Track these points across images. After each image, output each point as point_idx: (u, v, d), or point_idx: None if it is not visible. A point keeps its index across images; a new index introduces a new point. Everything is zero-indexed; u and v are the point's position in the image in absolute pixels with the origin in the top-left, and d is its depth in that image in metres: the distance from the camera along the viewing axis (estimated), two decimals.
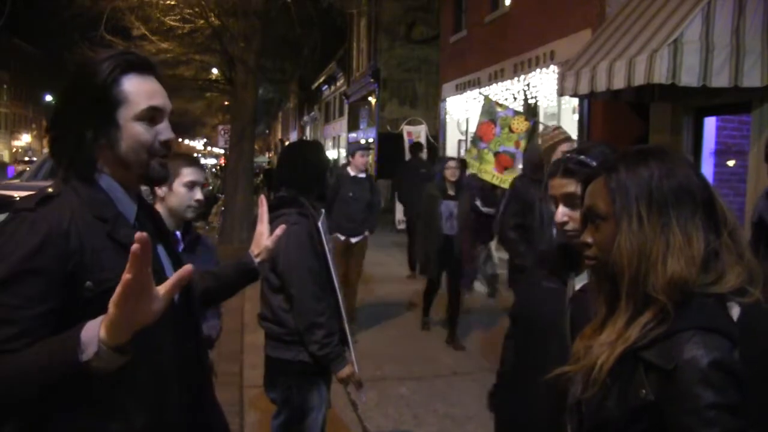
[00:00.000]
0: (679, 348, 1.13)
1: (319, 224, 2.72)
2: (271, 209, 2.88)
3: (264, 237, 2.03)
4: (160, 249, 1.50)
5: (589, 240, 1.29)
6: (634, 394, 1.16)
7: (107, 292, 1.26)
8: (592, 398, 1.23)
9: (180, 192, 2.49)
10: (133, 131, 1.37)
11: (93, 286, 1.27)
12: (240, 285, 1.99)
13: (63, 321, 1.26)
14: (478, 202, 8.34)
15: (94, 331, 1.15)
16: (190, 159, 2.62)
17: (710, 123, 6.94)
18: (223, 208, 12.89)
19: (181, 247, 2.53)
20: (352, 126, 25.37)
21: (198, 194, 2.54)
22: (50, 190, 1.33)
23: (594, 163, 1.65)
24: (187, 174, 2.50)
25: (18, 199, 1.31)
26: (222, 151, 33.45)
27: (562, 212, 1.79)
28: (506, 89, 11.42)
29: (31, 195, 1.33)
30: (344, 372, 2.73)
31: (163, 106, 1.42)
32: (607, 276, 1.26)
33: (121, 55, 1.41)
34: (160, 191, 2.50)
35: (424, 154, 11.42)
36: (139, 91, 1.38)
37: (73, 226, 1.29)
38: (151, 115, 1.39)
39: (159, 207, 2.52)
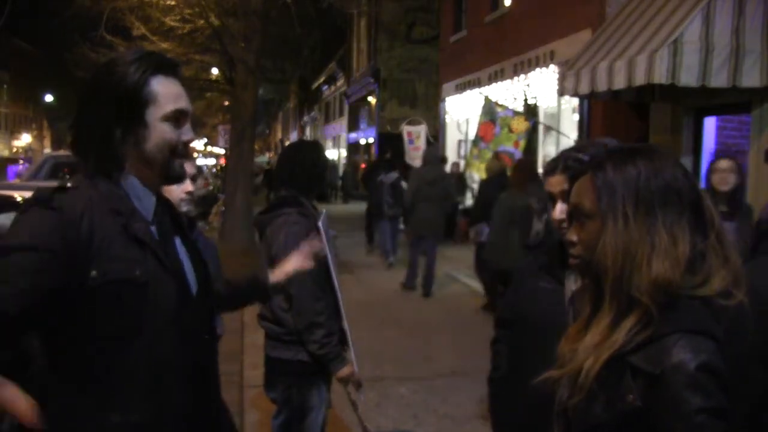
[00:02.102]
0: (666, 352, 1.11)
1: (319, 224, 2.72)
2: (272, 209, 2.89)
3: (292, 264, 2.11)
4: (177, 242, 1.54)
5: (575, 238, 1.26)
6: (621, 399, 1.14)
7: (112, 283, 1.31)
8: (579, 403, 1.21)
9: (170, 188, 2.48)
10: (161, 130, 1.42)
11: (98, 275, 1.31)
12: (248, 299, 2.06)
13: (69, 306, 1.30)
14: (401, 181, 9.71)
15: None
16: None
17: (710, 123, 6.95)
18: (223, 208, 12.88)
19: None
20: (352, 126, 25.38)
21: (188, 186, 2.49)
22: (69, 184, 1.37)
23: None
24: None
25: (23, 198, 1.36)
26: (222, 151, 33.44)
27: (560, 209, 1.78)
28: (506, 89, 11.42)
29: (49, 187, 1.37)
30: (343, 372, 2.72)
31: (187, 108, 1.48)
32: (592, 276, 1.24)
33: (149, 56, 1.45)
34: None
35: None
36: (167, 92, 1.43)
37: (87, 215, 1.32)
38: (176, 117, 1.44)
39: None
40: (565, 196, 1.76)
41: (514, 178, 6.23)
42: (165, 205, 1.56)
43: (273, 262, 2.76)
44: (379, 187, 10.23)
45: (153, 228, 1.45)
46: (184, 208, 2.49)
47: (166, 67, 1.46)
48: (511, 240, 5.78)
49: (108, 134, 1.39)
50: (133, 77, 1.39)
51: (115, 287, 1.32)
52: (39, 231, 1.29)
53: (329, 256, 2.69)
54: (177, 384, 1.42)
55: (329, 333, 2.69)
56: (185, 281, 1.48)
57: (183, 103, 1.46)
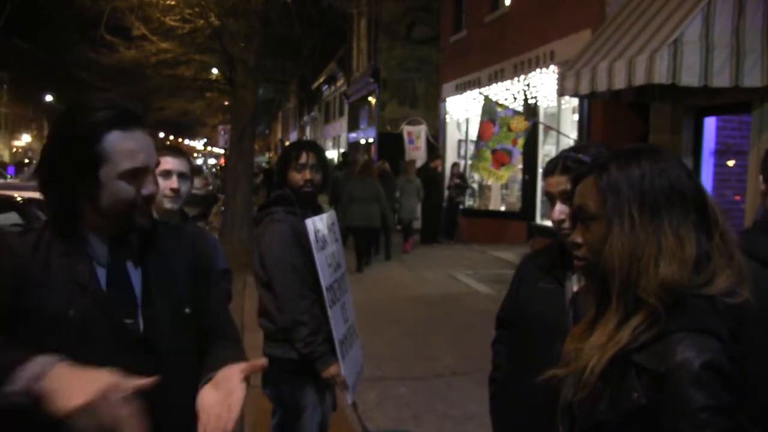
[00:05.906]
0: (671, 350, 1.11)
1: (307, 222, 2.65)
2: (263, 207, 2.89)
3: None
4: (130, 266, 1.45)
5: (579, 240, 1.26)
6: (626, 397, 1.15)
7: (41, 315, 1.30)
8: (584, 401, 1.21)
9: (158, 183, 2.44)
10: (116, 189, 1.35)
11: (31, 304, 1.31)
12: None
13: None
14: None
15: (36, 372, 1.17)
16: (170, 149, 2.51)
17: (710, 123, 6.95)
18: (223, 208, 12.89)
19: None
20: (352, 126, 25.37)
21: (173, 183, 2.42)
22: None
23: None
24: (162, 163, 2.39)
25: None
26: (222, 151, 33.44)
27: (559, 210, 1.78)
28: (506, 89, 11.42)
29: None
30: (329, 371, 2.68)
31: (146, 164, 1.38)
32: (597, 277, 1.24)
33: (107, 109, 1.35)
34: None
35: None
36: (123, 150, 1.35)
37: (40, 248, 1.35)
38: (134, 174, 1.37)
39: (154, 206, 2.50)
40: (563, 196, 1.77)
41: (357, 173, 10.36)
42: (125, 242, 1.45)
43: (262, 259, 2.77)
44: (336, 182, 13.50)
45: (102, 271, 1.40)
46: (168, 206, 2.43)
47: (126, 119, 1.36)
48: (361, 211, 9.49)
49: (63, 188, 1.36)
50: (85, 132, 1.32)
51: (44, 320, 1.31)
52: None
53: (316, 257, 2.64)
54: None
55: (314, 332, 2.66)
56: (123, 325, 1.39)
57: (141, 160, 1.37)
